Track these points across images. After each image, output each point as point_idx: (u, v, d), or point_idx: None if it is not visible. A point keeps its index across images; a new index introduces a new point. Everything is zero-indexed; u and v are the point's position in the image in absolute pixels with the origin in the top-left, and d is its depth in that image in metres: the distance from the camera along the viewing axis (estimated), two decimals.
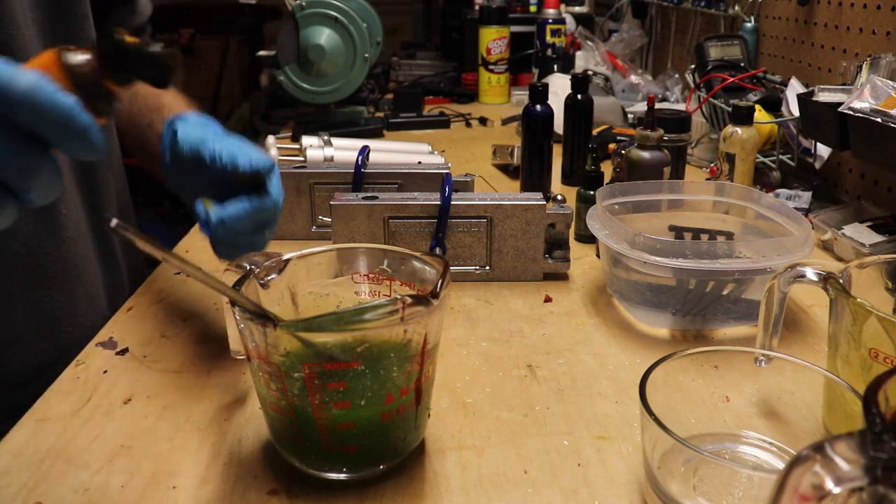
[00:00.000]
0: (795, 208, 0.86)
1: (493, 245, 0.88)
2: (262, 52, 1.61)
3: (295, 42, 1.53)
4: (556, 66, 1.79)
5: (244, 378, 0.68)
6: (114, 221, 0.42)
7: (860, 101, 0.88)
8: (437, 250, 0.87)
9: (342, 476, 0.54)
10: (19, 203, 0.43)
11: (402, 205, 0.87)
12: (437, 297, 0.50)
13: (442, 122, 1.70)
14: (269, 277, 0.57)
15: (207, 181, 0.64)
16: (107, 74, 0.46)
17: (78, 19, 0.75)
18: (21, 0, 0.68)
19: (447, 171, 0.99)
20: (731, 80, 1.27)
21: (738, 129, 1.04)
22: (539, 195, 0.89)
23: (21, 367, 0.74)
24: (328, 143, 1.25)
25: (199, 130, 0.66)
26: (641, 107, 1.63)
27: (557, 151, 1.22)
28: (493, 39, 1.88)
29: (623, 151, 1.04)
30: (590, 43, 1.91)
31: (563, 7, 2.01)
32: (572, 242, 0.93)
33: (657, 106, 1.15)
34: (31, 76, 0.40)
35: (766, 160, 1.20)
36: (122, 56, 0.46)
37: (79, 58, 0.46)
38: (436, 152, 1.29)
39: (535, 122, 1.14)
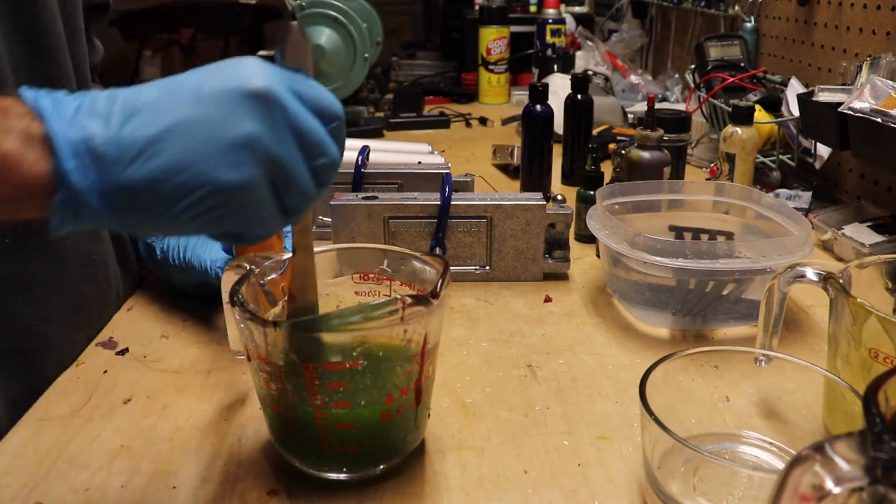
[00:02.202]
0: (795, 208, 0.86)
1: (493, 245, 0.88)
2: (261, 52, 1.61)
3: None
4: (556, 66, 1.78)
5: (244, 378, 0.68)
6: None
7: (860, 101, 0.88)
8: (437, 250, 0.87)
9: (342, 476, 0.54)
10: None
11: (402, 205, 0.87)
12: (437, 296, 0.50)
13: (442, 122, 1.70)
14: (269, 277, 0.57)
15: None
16: None
17: (52, 53, 0.70)
18: None
19: (447, 171, 0.99)
20: (731, 80, 1.27)
21: (738, 129, 1.04)
22: (539, 195, 0.89)
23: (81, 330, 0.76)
24: None
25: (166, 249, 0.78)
26: (641, 107, 1.63)
27: (557, 151, 1.22)
28: (493, 39, 1.88)
29: (623, 151, 1.04)
30: (590, 43, 1.91)
31: (563, 7, 2.01)
32: (572, 242, 0.93)
33: (657, 106, 1.15)
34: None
35: (766, 160, 1.19)
36: None
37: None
38: (436, 152, 1.28)
39: (535, 122, 1.14)
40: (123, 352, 0.73)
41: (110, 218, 0.40)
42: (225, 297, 0.55)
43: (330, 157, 0.44)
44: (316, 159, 0.43)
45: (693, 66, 1.36)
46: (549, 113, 1.14)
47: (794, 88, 1.15)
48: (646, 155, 0.97)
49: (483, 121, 1.73)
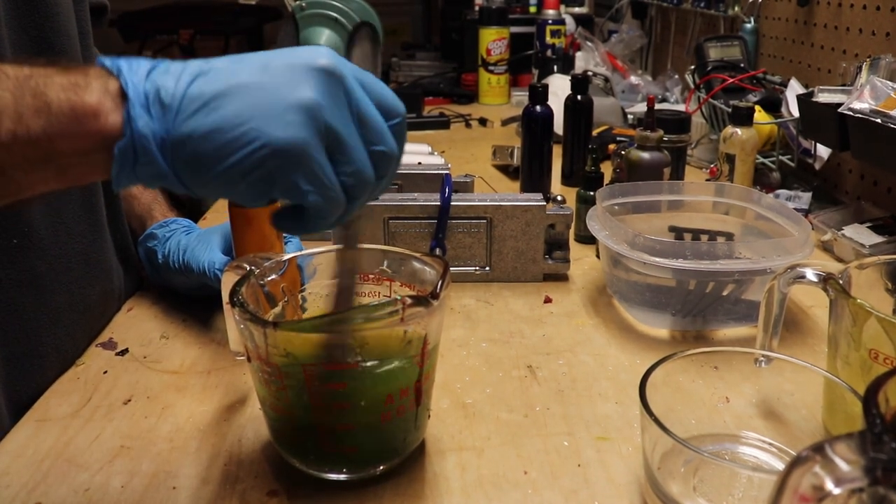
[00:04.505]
0: (795, 209, 0.86)
1: (493, 246, 0.88)
2: None
3: (295, 42, 1.52)
4: (555, 67, 1.79)
5: (244, 379, 0.68)
6: None
7: (860, 101, 0.88)
8: (437, 251, 0.87)
9: (342, 477, 0.54)
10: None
11: (402, 205, 0.87)
12: (437, 297, 0.50)
13: (442, 123, 1.70)
14: (269, 277, 0.57)
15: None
16: None
17: (67, 56, 0.70)
18: None
19: (447, 171, 0.99)
20: (731, 80, 1.27)
21: (738, 130, 1.04)
22: (539, 196, 0.89)
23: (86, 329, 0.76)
24: None
25: (169, 251, 0.79)
26: (641, 107, 1.63)
27: (557, 152, 1.22)
28: (492, 40, 1.88)
29: (623, 152, 1.05)
30: (589, 44, 1.91)
31: (562, 8, 2.01)
32: (572, 243, 0.93)
33: (657, 107, 1.15)
34: None
35: (765, 161, 1.20)
36: None
37: None
38: (436, 153, 1.29)
39: (534, 123, 1.14)
40: (124, 352, 0.73)
41: (166, 170, 0.41)
42: (225, 297, 0.55)
43: (389, 146, 0.45)
44: (374, 145, 0.44)
45: (693, 67, 1.36)
46: (548, 114, 1.14)
47: (794, 89, 1.15)
48: (646, 156, 0.97)
49: (483, 121, 1.73)
